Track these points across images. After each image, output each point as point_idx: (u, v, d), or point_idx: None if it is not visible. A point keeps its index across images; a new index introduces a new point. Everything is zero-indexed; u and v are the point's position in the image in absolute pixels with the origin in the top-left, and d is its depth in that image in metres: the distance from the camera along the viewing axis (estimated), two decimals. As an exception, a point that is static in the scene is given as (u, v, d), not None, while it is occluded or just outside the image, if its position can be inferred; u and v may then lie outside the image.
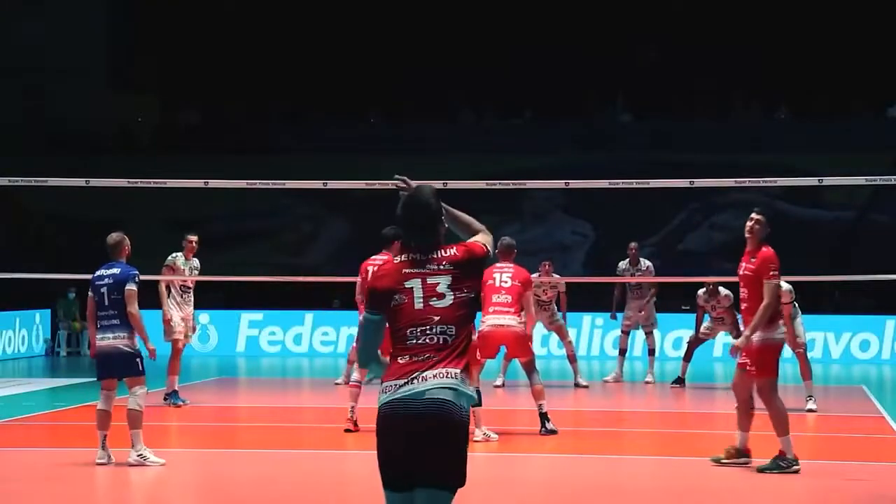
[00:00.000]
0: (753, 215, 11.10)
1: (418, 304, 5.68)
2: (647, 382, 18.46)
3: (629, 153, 27.99)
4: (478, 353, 12.76)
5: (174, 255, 15.21)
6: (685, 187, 15.31)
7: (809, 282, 18.16)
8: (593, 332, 24.20)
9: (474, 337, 10.37)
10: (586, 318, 24.28)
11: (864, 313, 23.53)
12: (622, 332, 18.84)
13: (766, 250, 10.81)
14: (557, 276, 18.35)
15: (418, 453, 5.62)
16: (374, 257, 12.81)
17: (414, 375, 5.59)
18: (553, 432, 12.63)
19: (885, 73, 29.40)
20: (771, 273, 10.60)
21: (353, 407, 12.78)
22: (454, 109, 32.06)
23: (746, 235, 11.06)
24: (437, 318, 5.66)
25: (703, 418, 15.28)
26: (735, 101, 31.42)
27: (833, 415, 15.80)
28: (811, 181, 15.84)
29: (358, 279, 12.96)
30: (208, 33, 32.45)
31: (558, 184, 15.94)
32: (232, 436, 13.62)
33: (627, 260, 18.32)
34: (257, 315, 24.71)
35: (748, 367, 10.74)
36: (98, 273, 10.93)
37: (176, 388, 15.09)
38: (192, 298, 15.44)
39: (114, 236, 11.13)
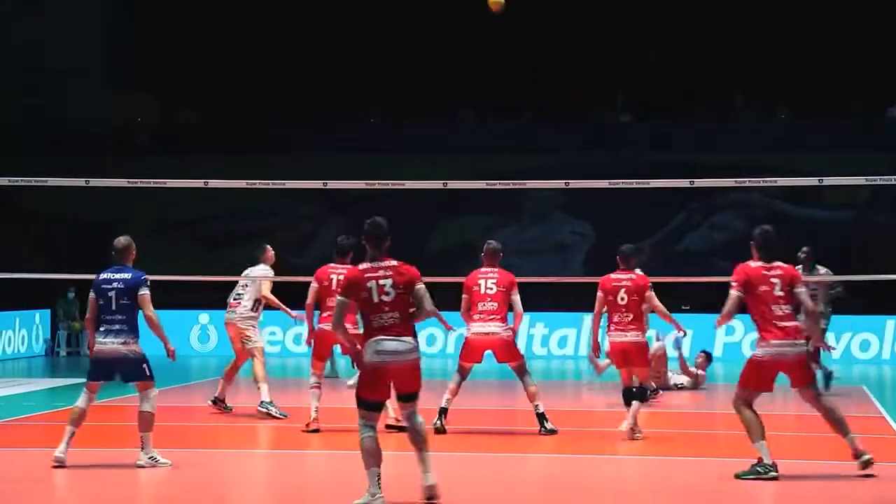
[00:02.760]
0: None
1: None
2: None
3: (629, 153, 27.98)
4: (461, 359, 13.02)
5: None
6: (685, 187, 15.30)
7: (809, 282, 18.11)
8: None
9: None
10: (586, 318, 24.26)
11: (865, 313, 23.51)
12: None
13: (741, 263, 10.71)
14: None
15: None
16: (334, 265, 13.22)
17: None
18: (553, 431, 12.68)
19: (885, 73, 29.39)
20: (731, 284, 10.53)
21: (316, 408, 12.93)
22: (454, 109, 32.04)
23: None
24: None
25: (704, 418, 15.27)
26: (735, 101, 31.41)
27: (833, 415, 15.78)
28: (811, 181, 15.84)
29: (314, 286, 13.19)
30: (208, 33, 32.43)
31: (558, 184, 15.94)
32: (232, 436, 13.61)
33: None
34: (257, 315, 24.69)
35: None
36: (104, 276, 10.82)
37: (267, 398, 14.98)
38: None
39: (121, 240, 11.04)
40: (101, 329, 10.69)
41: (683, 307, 21.90)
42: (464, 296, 12.97)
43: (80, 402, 10.81)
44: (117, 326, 10.63)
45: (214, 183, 14.49)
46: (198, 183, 14.60)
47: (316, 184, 14.62)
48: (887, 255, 20.93)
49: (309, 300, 13.29)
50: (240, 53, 32.08)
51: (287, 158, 27.88)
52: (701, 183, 14.78)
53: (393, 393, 9.23)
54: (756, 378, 10.43)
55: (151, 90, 34.14)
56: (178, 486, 10.33)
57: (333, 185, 14.35)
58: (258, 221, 28.54)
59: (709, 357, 18.64)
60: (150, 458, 10.69)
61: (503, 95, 31.25)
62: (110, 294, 10.67)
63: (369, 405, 8.99)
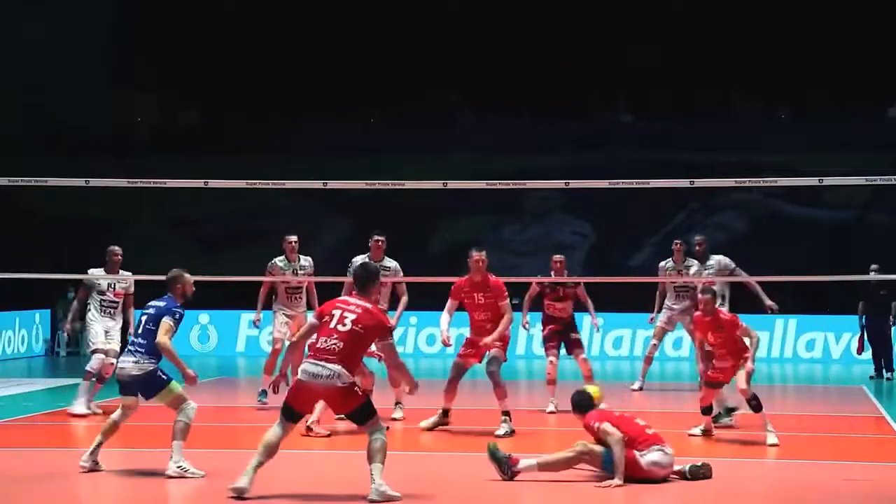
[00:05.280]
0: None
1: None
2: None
3: (629, 153, 27.99)
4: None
5: (277, 259, 15.56)
6: (685, 187, 15.30)
7: (809, 282, 18.16)
8: (593, 332, 24.17)
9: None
10: (586, 318, 24.22)
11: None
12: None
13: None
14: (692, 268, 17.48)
15: None
16: None
17: None
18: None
19: (885, 73, 29.39)
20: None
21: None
22: (454, 109, 32.04)
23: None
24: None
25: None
26: (735, 101, 31.41)
27: (833, 415, 15.81)
28: (811, 181, 15.84)
29: None
30: (208, 33, 32.42)
31: (558, 184, 15.94)
32: (232, 436, 13.61)
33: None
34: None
35: None
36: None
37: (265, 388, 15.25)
38: (303, 300, 15.72)
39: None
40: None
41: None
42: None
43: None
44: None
45: (214, 183, 14.48)
46: (198, 183, 14.60)
47: (316, 184, 14.62)
48: (887, 255, 20.92)
49: None
50: (239, 53, 32.07)
51: (287, 158, 27.87)
52: (701, 183, 14.77)
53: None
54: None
55: (151, 90, 34.14)
56: (176, 486, 10.33)
57: (333, 185, 14.36)
58: (258, 221, 28.55)
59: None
60: (178, 466, 10.67)
61: (503, 95, 31.24)
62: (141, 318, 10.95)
63: (286, 412, 9.82)
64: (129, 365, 10.71)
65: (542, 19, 31.41)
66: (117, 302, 15.27)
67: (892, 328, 21.00)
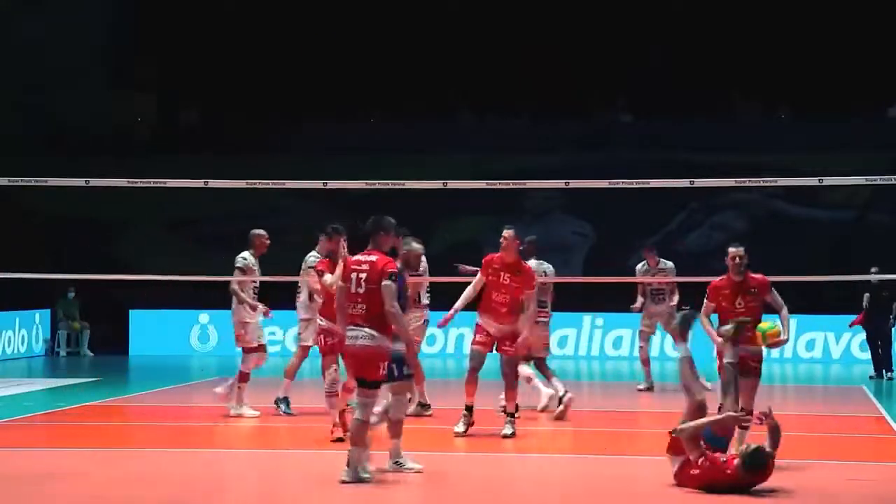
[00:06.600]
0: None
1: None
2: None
3: (629, 153, 27.98)
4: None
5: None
6: (685, 187, 15.31)
7: (809, 282, 18.16)
8: (593, 332, 24.20)
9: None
10: (586, 318, 24.28)
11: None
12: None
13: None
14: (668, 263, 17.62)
15: None
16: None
17: None
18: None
19: (885, 73, 29.39)
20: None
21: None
22: (453, 109, 32.03)
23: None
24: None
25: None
26: (735, 101, 31.40)
27: (833, 415, 15.82)
28: (811, 181, 15.85)
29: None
30: (208, 33, 32.42)
31: (558, 184, 15.93)
32: (232, 435, 13.61)
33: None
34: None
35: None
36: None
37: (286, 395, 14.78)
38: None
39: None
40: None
41: (683, 307, 21.91)
42: None
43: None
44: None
45: (214, 183, 14.50)
46: (198, 183, 14.61)
47: (316, 184, 14.64)
48: (887, 255, 20.92)
49: None
50: (239, 53, 32.06)
51: (287, 158, 27.86)
52: (701, 183, 14.78)
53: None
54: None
55: (151, 90, 34.13)
56: (176, 486, 10.34)
57: (333, 185, 14.37)
58: (258, 221, 28.47)
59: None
60: (395, 463, 10.58)
61: (503, 95, 31.23)
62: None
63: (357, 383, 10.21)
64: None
65: (542, 19, 31.39)
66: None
67: (893, 328, 21.02)
